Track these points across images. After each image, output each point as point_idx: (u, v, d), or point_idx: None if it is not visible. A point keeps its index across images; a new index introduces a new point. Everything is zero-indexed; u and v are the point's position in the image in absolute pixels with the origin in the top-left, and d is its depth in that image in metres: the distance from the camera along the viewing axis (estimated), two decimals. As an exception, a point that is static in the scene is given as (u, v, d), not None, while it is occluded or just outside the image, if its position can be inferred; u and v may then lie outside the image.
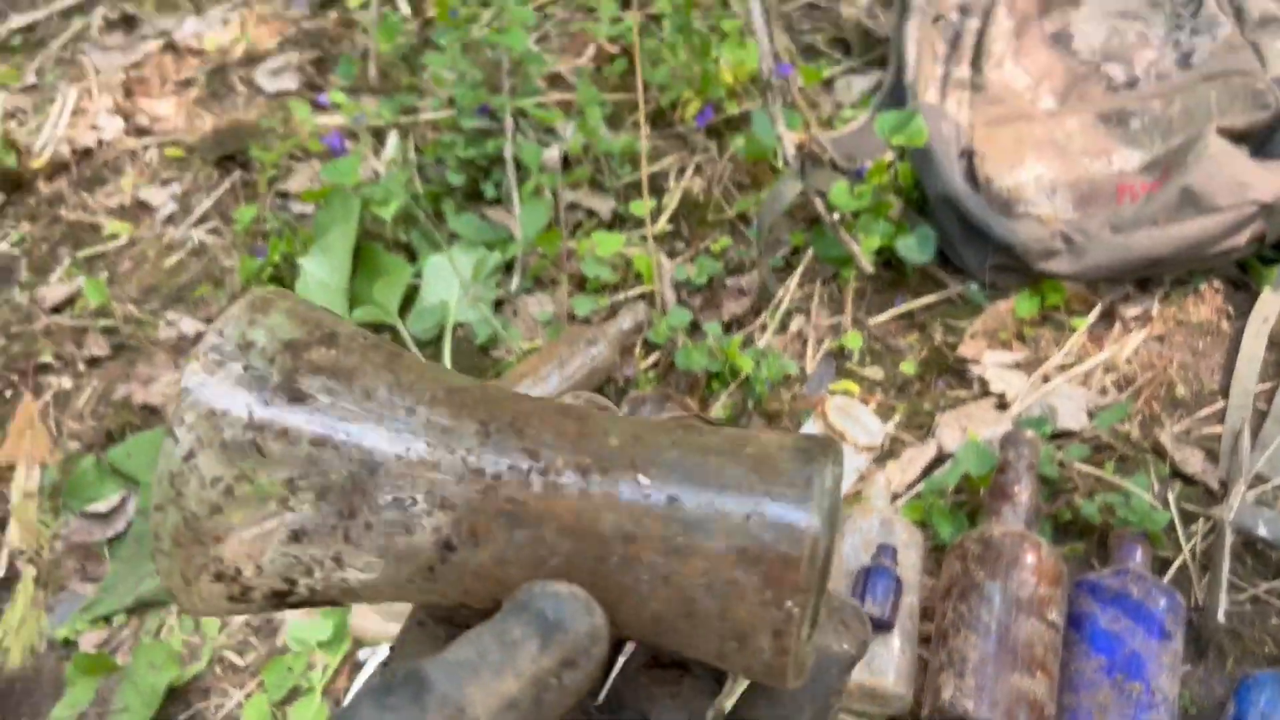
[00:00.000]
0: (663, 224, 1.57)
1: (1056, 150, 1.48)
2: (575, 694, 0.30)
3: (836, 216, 1.43)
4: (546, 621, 0.30)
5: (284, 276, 1.61)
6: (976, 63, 1.58)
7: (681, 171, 1.64)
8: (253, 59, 2.02)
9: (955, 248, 1.45)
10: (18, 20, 2.21)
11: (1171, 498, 1.22)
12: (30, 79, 2.05)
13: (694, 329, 1.44)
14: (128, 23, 2.15)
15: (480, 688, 0.29)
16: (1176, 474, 1.24)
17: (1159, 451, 1.26)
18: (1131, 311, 1.38)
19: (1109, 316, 1.38)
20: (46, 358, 1.59)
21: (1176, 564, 1.18)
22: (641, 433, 0.33)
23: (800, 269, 1.48)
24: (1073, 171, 1.46)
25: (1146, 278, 1.41)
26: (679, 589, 0.31)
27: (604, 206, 1.59)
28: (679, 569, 0.31)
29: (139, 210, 1.80)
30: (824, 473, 0.31)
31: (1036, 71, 1.57)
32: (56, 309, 1.66)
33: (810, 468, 0.31)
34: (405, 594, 0.33)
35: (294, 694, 1.22)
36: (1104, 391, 1.31)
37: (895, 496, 1.29)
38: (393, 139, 1.76)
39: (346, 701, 0.28)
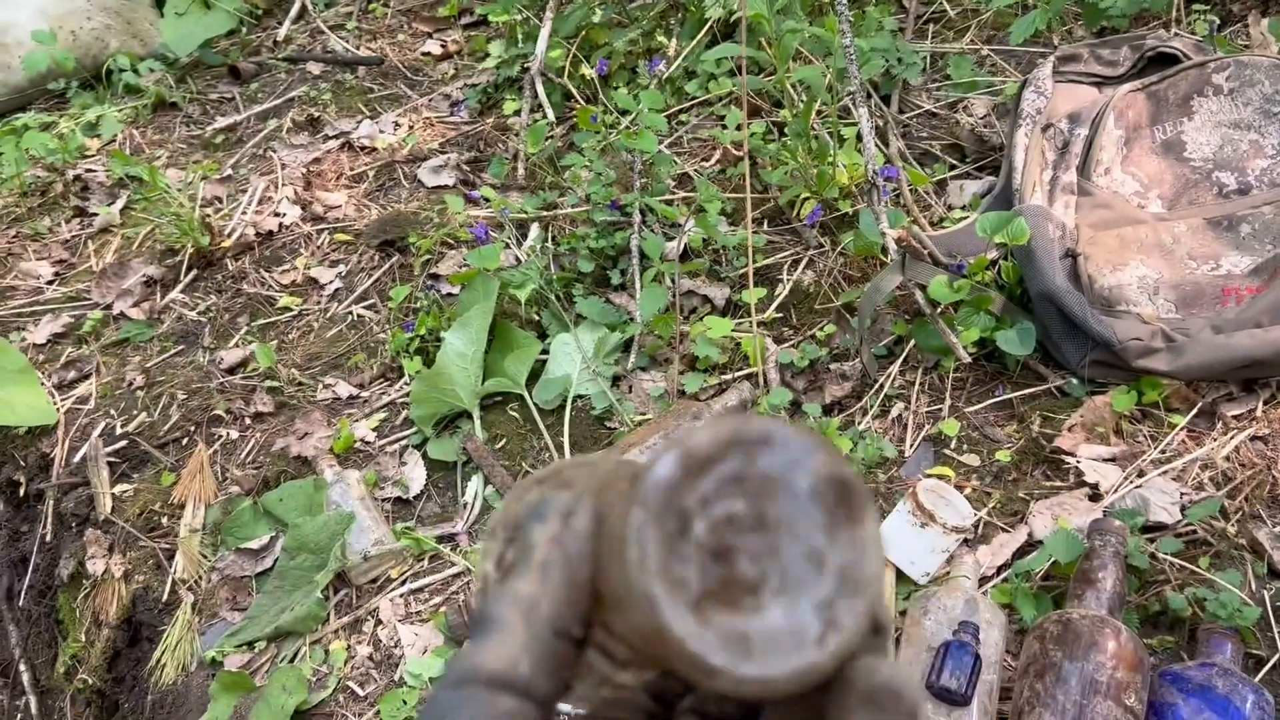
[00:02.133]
0: (772, 311, 1.67)
1: (1163, 253, 1.52)
2: (588, 535, 0.35)
3: (938, 309, 1.50)
4: (537, 511, 0.36)
5: (428, 349, 1.77)
6: (1084, 169, 1.64)
7: (795, 264, 1.74)
8: (417, 157, 2.24)
9: (1056, 343, 1.49)
10: (222, 121, 2.51)
11: (1268, 596, 1.21)
12: (227, 171, 2.34)
13: (796, 409, 1.52)
14: (313, 124, 2.42)
15: (520, 577, 0.34)
16: (1275, 573, 1.24)
17: (1257, 550, 1.26)
18: (1234, 411, 1.39)
19: (1210, 415, 1.40)
20: (219, 411, 1.79)
21: (1271, 663, 1.17)
22: None
23: (902, 357, 1.55)
24: (1177, 274, 1.49)
25: (1252, 379, 1.42)
26: None
27: (719, 294, 1.70)
28: None
29: (308, 287, 2.02)
30: None
31: (1146, 178, 1.62)
32: (231, 370, 1.87)
33: None
34: None
35: (405, 723, 1.33)
36: (1200, 487, 1.32)
37: (985, 580, 1.33)
38: (534, 230, 1.93)
39: None
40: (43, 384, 1.89)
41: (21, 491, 1.81)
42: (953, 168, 1.84)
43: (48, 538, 1.74)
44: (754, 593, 0.32)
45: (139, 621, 1.60)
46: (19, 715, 1.77)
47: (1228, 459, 1.35)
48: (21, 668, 1.79)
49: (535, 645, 0.33)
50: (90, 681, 1.64)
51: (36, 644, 1.77)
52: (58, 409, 1.85)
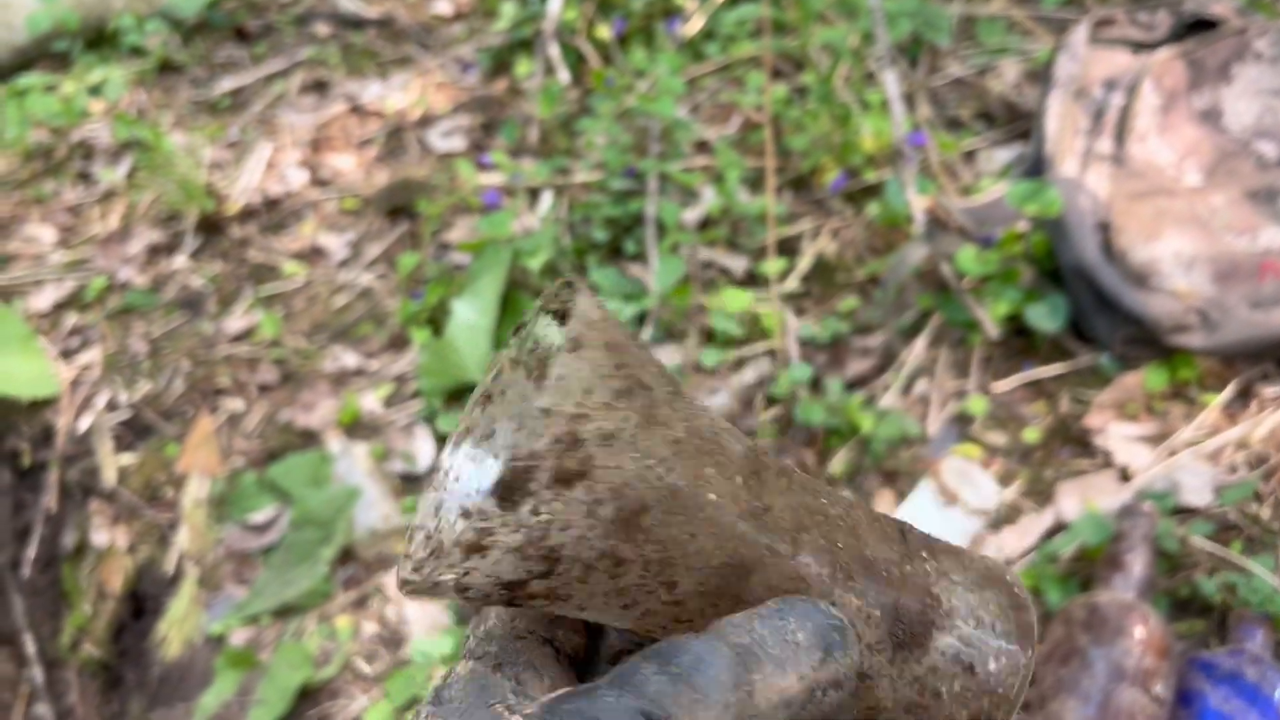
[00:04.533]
0: (793, 283, 1.62)
1: (1199, 226, 1.46)
2: (826, 718, 0.31)
3: (965, 282, 1.45)
4: (832, 638, 0.31)
5: (437, 319, 1.73)
6: (1119, 137, 1.58)
7: (817, 234, 1.69)
8: (427, 121, 2.19)
9: (1087, 318, 1.44)
10: (228, 84, 2.46)
11: (1302, 583, 1.17)
12: (233, 135, 2.29)
13: (816, 386, 1.48)
14: (320, 87, 2.37)
15: (764, 678, 0.29)
16: (1311, 559, 1.19)
17: (1292, 535, 1.21)
18: (1270, 390, 1.34)
19: (1245, 394, 1.35)
20: (224, 382, 1.75)
21: (1305, 653, 1.13)
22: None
23: (927, 332, 1.50)
24: (1214, 247, 1.43)
25: (1290, 357, 1.37)
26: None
27: (737, 265, 1.65)
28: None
29: (315, 254, 1.98)
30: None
31: (1182, 147, 1.56)
32: (237, 339, 1.84)
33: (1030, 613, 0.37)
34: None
35: (414, 703, 1.30)
36: (1233, 469, 1.28)
37: (1010, 562, 1.29)
38: (546, 197, 1.88)
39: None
40: (47, 351, 1.86)
41: (25, 461, 1.79)
42: (981, 135, 1.78)
43: (52, 508, 1.71)
44: None
45: (143, 594, 1.58)
46: (25, 686, 1.76)
47: (1264, 440, 1.30)
48: (27, 639, 1.77)
49: None
50: (95, 654, 1.61)
51: (40, 615, 1.75)
52: (61, 378, 1.81)
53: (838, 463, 1.40)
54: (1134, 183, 1.53)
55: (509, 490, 0.31)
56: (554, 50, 2.10)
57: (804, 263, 1.64)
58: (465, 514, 0.32)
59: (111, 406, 1.77)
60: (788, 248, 1.68)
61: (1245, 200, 1.48)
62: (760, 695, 0.29)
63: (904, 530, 0.37)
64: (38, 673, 1.73)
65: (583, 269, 1.71)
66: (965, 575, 0.37)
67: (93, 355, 1.87)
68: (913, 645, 0.35)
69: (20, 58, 2.62)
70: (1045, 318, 1.43)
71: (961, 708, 0.35)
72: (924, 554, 0.36)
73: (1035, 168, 1.62)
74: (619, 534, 0.32)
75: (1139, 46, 1.70)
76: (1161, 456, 1.31)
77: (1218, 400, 1.34)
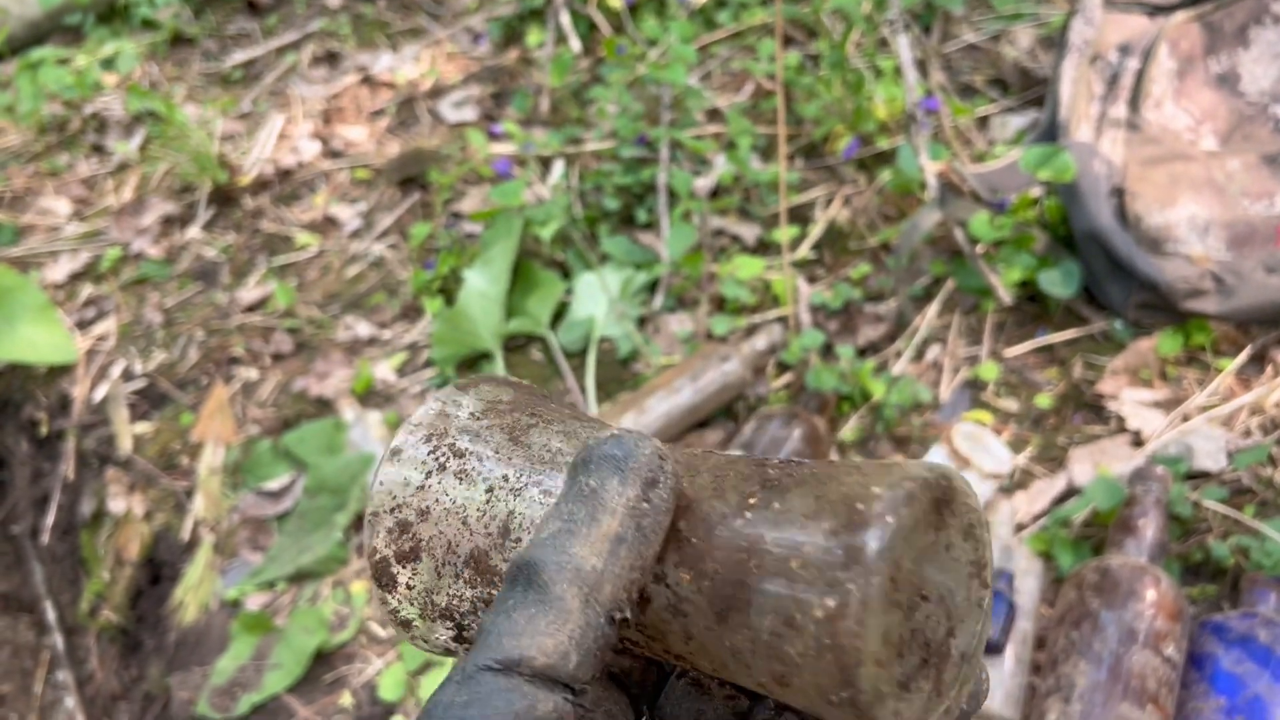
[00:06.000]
0: (805, 251, 1.61)
1: (1214, 190, 1.45)
2: (667, 511, 0.32)
3: (978, 248, 1.44)
4: (616, 460, 0.32)
5: (449, 288, 1.73)
6: (1134, 102, 1.57)
7: (829, 202, 1.68)
8: (438, 92, 2.19)
9: (1100, 284, 1.44)
10: (240, 56, 2.46)
11: (1316, 547, 1.16)
12: (246, 107, 2.29)
13: (828, 352, 1.48)
14: (331, 59, 2.37)
15: (583, 542, 0.30)
16: (1324, 523, 1.19)
17: (1305, 499, 1.21)
18: (1285, 355, 1.33)
19: (1260, 359, 1.34)
20: (238, 351, 1.76)
21: (1318, 616, 1.13)
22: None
23: (940, 298, 1.50)
24: (1230, 212, 1.42)
25: (1306, 322, 1.36)
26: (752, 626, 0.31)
27: (749, 233, 1.65)
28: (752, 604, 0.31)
29: (328, 225, 1.98)
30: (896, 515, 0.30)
31: (1198, 112, 1.55)
32: (250, 309, 1.84)
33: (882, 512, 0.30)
34: None
35: (427, 666, 1.31)
36: (1247, 434, 1.27)
37: (1022, 527, 1.29)
38: (558, 166, 1.88)
39: None
40: (63, 321, 1.87)
41: (43, 430, 1.80)
42: (995, 101, 1.77)
43: (69, 476, 1.73)
44: (945, 650, 0.32)
45: (160, 561, 1.59)
46: (46, 653, 1.78)
47: (1278, 404, 1.29)
48: (47, 606, 1.79)
49: (589, 635, 0.30)
50: (114, 619, 1.63)
51: (60, 582, 1.77)
52: (77, 348, 1.83)
53: (850, 429, 1.40)
54: (1149, 148, 1.51)
55: (378, 581, 0.39)
56: (565, 19, 2.09)
57: (816, 230, 1.64)
58: (380, 601, 0.40)
59: (127, 376, 1.79)
60: (799, 215, 1.68)
61: (1262, 165, 1.46)
62: (591, 557, 0.30)
63: (758, 479, 0.33)
64: (58, 639, 1.75)
65: (594, 237, 1.71)
66: (806, 507, 0.31)
67: (108, 325, 1.88)
68: (731, 610, 0.31)
69: (33, 31, 2.62)
70: (1058, 283, 1.42)
71: (808, 671, 0.30)
72: (763, 499, 0.32)
73: (1049, 133, 1.61)
74: (477, 581, 0.37)
75: (1155, 10, 1.68)
76: (1175, 422, 1.31)
77: (1232, 365, 1.33)
